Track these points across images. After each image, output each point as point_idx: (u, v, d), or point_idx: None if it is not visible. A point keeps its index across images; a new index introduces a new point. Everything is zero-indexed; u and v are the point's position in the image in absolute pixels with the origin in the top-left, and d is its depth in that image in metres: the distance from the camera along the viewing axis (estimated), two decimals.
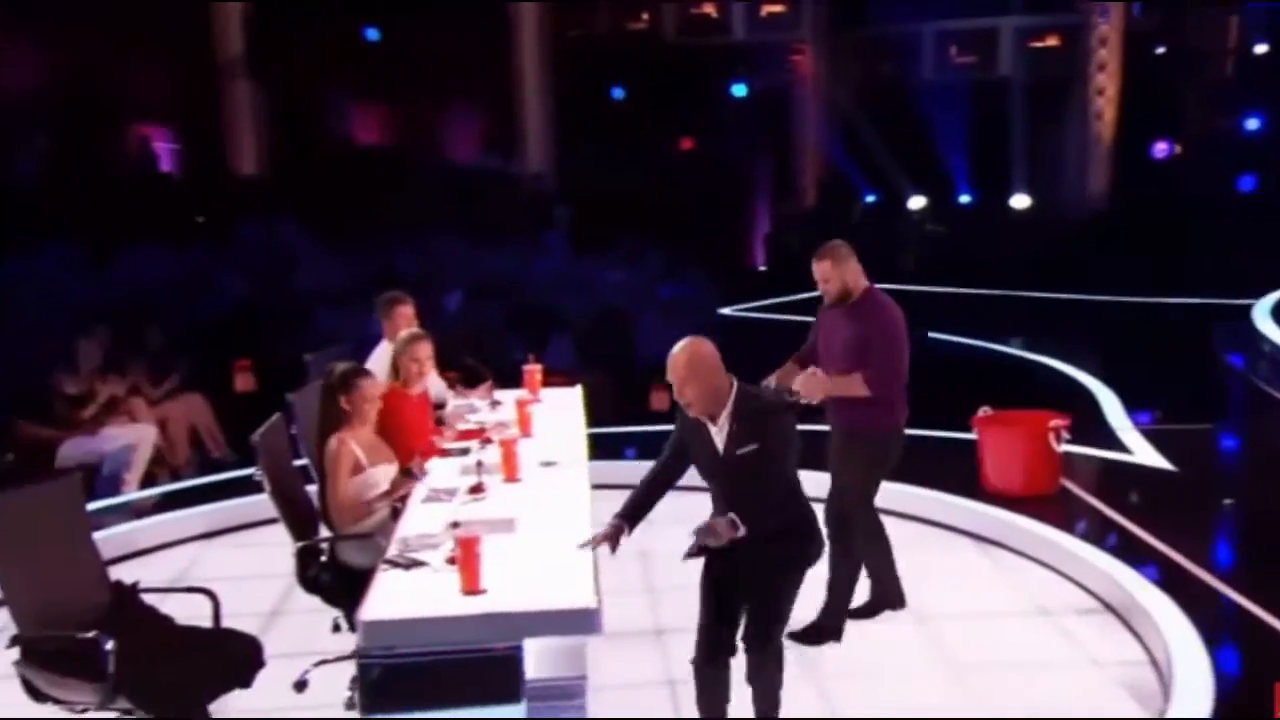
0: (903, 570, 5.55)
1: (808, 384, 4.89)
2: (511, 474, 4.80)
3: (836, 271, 5.02)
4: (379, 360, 5.82)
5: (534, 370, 6.28)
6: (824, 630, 5.21)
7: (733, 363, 5.26)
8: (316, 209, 14.82)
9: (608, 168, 18.23)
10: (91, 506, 7.02)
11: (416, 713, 3.39)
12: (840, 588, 5.25)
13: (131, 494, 7.75)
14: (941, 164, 20.13)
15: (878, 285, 5.20)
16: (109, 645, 3.63)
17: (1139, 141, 20.33)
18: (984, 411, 7.25)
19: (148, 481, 8.00)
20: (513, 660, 3.42)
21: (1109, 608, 5.63)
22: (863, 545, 5.34)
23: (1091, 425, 8.75)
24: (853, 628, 5.39)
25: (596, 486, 4.67)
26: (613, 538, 3.86)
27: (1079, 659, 5.18)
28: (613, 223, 15.94)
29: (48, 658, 3.75)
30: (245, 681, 4.05)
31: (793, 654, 5.02)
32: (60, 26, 15.58)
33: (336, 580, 4.60)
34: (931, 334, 13.38)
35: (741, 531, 3.78)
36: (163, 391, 8.71)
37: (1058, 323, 15.02)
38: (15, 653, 3.82)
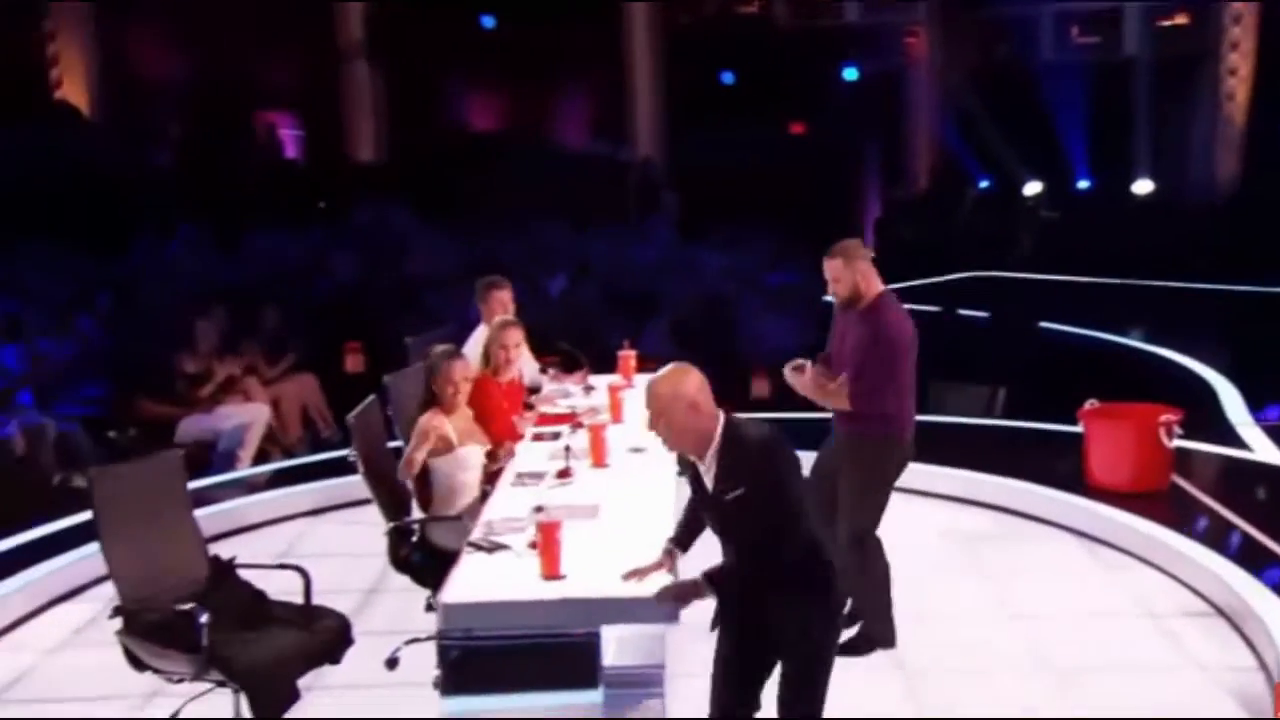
0: (1000, 566, 5.39)
1: (797, 381, 4.89)
2: (600, 459, 4.84)
3: (847, 271, 4.87)
4: (475, 344, 5.90)
5: (628, 356, 6.29)
6: (873, 638, 4.97)
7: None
8: (430, 194, 15.09)
9: (717, 152, 18.14)
10: (206, 482, 7.39)
11: (495, 695, 3.44)
12: (874, 591, 4.97)
13: (245, 470, 8.02)
14: (1059, 149, 19.51)
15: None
16: (204, 618, 3.76)
17: (1274, 123, 19.39)
18: (1091, 404, 7.04)
19: (260, 459, 8.27)
20: (590, 646, 3.45)
21: (1219, 611, 5.41)
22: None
23: (1210, 420, 8.43)
24: (942, 624, 5.29)
25: None
26: (668, 564, 3.61)
27: (1183, 662, 5.00)
28: (721, 208, 15.87)
29: (147, 629, 3.89)
30: (335, 658, 4.16)
31: (878, 652, 4.99)
32: (192, 20, 16.20)
33: (426, 561, 4.69)
34: (1043, 324, 13.05)
35: (709, 596, 3.42)
36: (277, 371, 8.98)
37: (1180, 313, 14.48)
38: (118, 622, 3.97)
